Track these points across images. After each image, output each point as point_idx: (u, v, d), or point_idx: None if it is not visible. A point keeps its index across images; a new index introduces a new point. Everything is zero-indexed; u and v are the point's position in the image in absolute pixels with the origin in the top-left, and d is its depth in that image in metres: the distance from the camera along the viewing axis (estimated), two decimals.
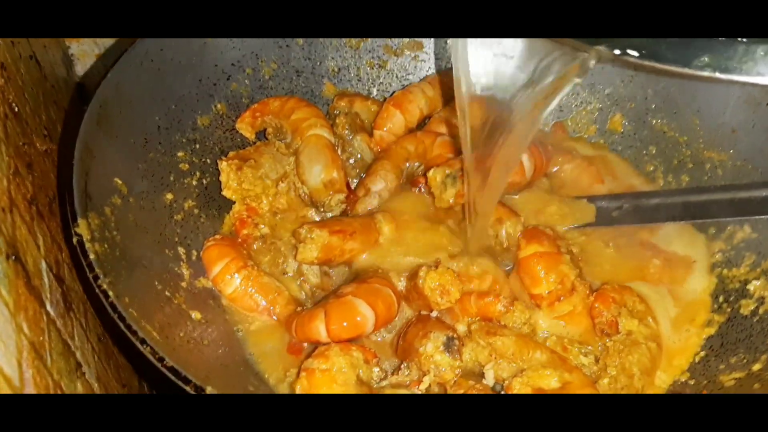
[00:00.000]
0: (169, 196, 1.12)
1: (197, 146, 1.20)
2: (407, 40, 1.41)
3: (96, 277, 0.81)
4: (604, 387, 0.99)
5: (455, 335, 0.99)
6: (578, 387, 0.96)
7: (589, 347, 1.04)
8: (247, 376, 1.00)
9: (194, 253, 1.11)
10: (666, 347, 1.08)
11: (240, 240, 1.17)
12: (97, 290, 0.80)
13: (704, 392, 0.99)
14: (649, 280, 1.14)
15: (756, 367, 0.95)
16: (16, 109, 0.94)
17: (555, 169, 1.30)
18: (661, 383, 1.05)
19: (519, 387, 0.95)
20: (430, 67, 1.44)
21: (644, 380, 1.00)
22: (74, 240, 0.84)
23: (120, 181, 1.02)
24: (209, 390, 0.74)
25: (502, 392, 0.99)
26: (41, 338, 0.70)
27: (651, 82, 1.33)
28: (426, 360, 0.96)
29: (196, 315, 1.01)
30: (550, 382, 0.95)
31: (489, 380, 0.99)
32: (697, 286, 1.16)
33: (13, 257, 0.70)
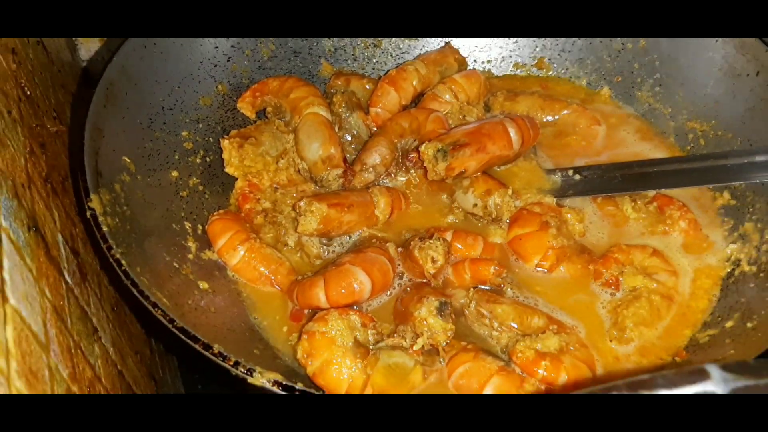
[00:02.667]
0: (175, 173, 1.18)
1: (200, 126, 1.26)
2: None
3: (109, 248, 0.87)
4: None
5: (448, 301, 1.05)
6: (576, 348, 1.02)
7: None
8: (253, 340, 1.06)
9: (199, 227, 1.17)
10: (684, 301, 1.11)
11: (243, 214, 1.23)
12: (110, 259, 0.86)
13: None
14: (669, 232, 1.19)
15: (729, 324, 1.01)
16: (28, 93, 0.99)
17: (556, 117, 1.37)
18: (682, 339, 1.07)
19: (522, 350, 1.00)
20: (424, 45, 1.48)
21: (639, 331, 1.05)
22: (87, 214, 0.90)
23: (128, 160, 1.08)
24: (216, 348, 0.80)
25: (506, 356, 1.04)
26: (61, 303, 0.76)
27: (638, 56, 1.38)
28: (420, 323, 1.01)
29: (203, 285, 1.07)
30: (551, 344, 1.01)
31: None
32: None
33: (34, 229, 0.75)
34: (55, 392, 0.64)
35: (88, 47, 1.54)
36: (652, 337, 1.06)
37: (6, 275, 0.61)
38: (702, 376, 0.51)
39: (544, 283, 1.13)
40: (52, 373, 0.64)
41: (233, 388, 1.25)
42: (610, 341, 1.05)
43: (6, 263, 0.62)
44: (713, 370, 0.51)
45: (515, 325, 1.05)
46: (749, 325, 0.96)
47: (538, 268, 1.14)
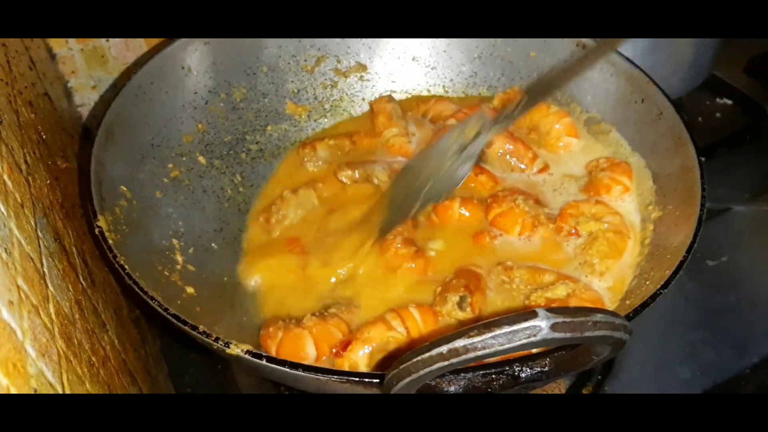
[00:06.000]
0: (163, 199, 1.41)
1: (184, 158, 1.48)
2: (353, 63, 1.71)
3: (114, 256, 1.09)
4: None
5: (466, 294, 1.24)
6: (582, 291, 1.25)
7: None
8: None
9: (183, 243, 1.39)
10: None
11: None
12: (116, 265, 1.08)
13: None
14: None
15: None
16: (44, 136, 1.22)
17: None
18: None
19: (535, 299, 1.24)
20: (374, 85, 1.74)
21: (606, 264, 1.29)
22: (96, 231, 1.12)
23: (125, 188, 1.30)
24: (201, 327, 1.02)
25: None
26: (79, 297, 0.99)
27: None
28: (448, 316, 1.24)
29: (189, 290, 1.29)
30: (560, 292, 1.24)
31: None
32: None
33: (58, 241, 0.98)
34: (82, 358, 0.86)
35: (81, 94, 1.76)
36: (623, 266, 1.30)
37: (45, 270, 0.84)
38: (533, 315, 0.74)
39: (531, 249, 1.36)
40: (80, 342, 0.86)
41: (221, 386, 1.48)
42: (586, 276, 1.29)
43: (45, 262, 0.85)
44: (540, 311, 0.74)
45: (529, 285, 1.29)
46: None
47: (521, 237, 1.38)
